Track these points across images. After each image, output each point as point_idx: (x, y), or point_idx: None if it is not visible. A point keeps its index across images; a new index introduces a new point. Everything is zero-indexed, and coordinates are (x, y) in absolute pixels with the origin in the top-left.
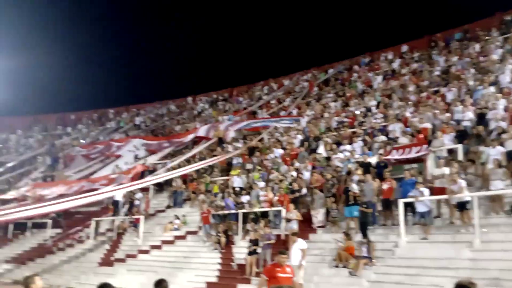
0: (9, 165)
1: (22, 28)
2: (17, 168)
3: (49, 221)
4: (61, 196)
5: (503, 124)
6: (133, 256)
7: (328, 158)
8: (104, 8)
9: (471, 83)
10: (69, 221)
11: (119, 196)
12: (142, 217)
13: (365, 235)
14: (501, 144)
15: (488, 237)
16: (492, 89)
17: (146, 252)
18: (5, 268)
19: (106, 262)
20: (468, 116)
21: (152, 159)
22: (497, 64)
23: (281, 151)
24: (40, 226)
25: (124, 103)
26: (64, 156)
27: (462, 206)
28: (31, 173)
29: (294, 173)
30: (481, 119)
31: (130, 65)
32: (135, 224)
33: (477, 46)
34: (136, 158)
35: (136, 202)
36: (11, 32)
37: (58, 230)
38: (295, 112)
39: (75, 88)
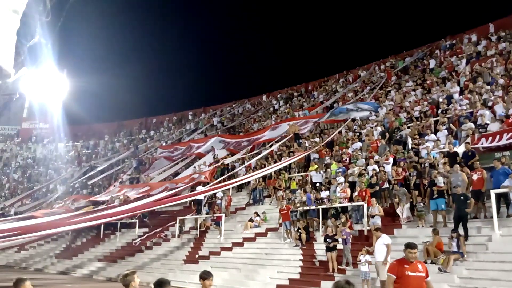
0: (99, 168)
1: (108, 48)
2: (105, 171)
3: (137, 221)
4: (147, 197)
5: None
6: (216, 253)
7: (410, 149)
8: (179, 19)
9: None
10: (155, 221)
11: (201, 195)
12: (223, 215)
13: (456, 229)
14: None
15: None
16: None
17: (228, 249)
18: (98, 266)
19: (191, 259)
20: None
21: (230, 160)
22: None
23: (359, 144)
24: (128, 226)
25: (201, 105)
26: (148, 158)
27: None
28: (119, 176)
29: (374, 167)
30: None
31: (206, 68)
32: (217, 222)
33: None
34: (215, 158)
35: (217, 201)
36: (99, 52)
37: (145, 230)
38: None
39: (155, 94)
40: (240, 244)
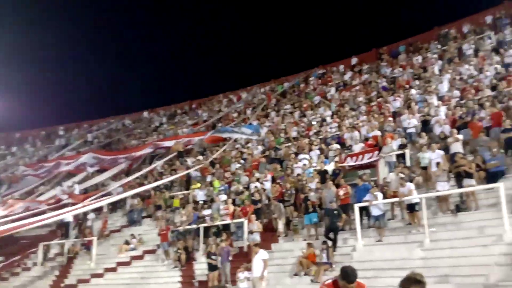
0: None
1: None
2: None
3: None
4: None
5: (446, 129)
6: (86, 281)
7: (287, 168)
8: (53, 22)
9: (414, 92)
10: (13, 248)
11: (69, 217)
12: (95, 239)
13: (326, 240)
14: (446, 148)
15: (436, 236)
16: (434, 97)
17: (99, 275)
18: None
19: None
20: (413, 123)
21: (105, 176)
22: (436, 74)
23: (242, 162)
24: None
25: (75, 119)
26: (8, 177)
27: (412, 208)
28: None
29: (255, 184)
30: (425, 125)
31: (81, 81)
32: (87, 246)
33: (419, 58)
34: (88, 176)
35: (88, 223)
36: None
37: (0, 258)
38: (255, 124)
39: (20, 107)
40: (114, 270)
